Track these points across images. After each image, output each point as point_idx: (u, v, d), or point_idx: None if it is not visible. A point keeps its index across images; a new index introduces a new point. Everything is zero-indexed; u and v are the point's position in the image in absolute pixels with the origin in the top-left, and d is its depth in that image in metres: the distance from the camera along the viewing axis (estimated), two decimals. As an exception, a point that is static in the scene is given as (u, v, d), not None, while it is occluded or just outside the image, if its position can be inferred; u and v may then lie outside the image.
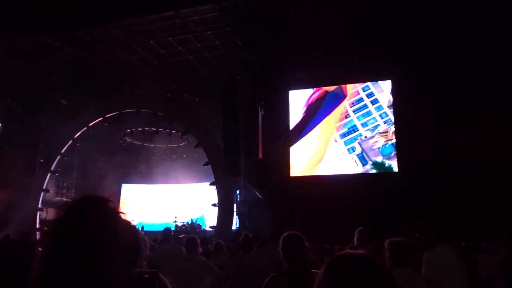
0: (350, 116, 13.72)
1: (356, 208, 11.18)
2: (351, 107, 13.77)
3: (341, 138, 13.65)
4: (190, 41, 14.45)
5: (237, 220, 13.95)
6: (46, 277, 1.05)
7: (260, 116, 13.21)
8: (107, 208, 1.15)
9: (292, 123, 14.39)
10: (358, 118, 13.56)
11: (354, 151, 13.39)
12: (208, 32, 13.89)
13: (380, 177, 12.86)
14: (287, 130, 14.33)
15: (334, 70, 13.89)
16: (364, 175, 13.05)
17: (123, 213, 1.17)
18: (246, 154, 13.46)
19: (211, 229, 15.69)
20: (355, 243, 6.00)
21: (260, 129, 13.10)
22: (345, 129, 13.65)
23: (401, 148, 12.81)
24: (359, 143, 13.40)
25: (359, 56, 13.11)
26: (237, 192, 14.40)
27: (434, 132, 12.10)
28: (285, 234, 3.05)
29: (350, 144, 13.50)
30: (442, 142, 11.79)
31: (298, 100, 14.52)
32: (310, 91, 14.40)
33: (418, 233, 4.32)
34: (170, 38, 14.31)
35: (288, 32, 12.89)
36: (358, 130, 13.49)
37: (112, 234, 1.09)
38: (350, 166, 13.42)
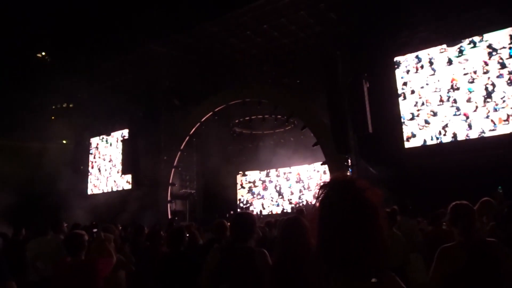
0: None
1: (484, 176, 10.18)
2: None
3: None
4: (284, 25, 14.50)
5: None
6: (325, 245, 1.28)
7: (365, 89, 12.72)
8: (359, 184, 1.32)
9: (401, 91, 13.55)
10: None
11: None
12: (301, 12, 13.77)
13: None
14: (396, 99, 13.55)
15: (442, 27, 12.67)
16: (495, 138, 11.67)
17: (372, 188, 1.33)
18: (355, 130, 13.14)
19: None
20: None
21: (367, 102, 12.63)
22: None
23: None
24: None
25: (470, 6, 11.77)
26: (350, 170, 14.17)
27: None
28: (453, 204, 3.00)
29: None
30: None
31: (405, 66, 13.59)
32: (417, 54, 13.33)
33: None
34: (264, 26, 14.54)
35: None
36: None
37: (370, 204, 1.27)
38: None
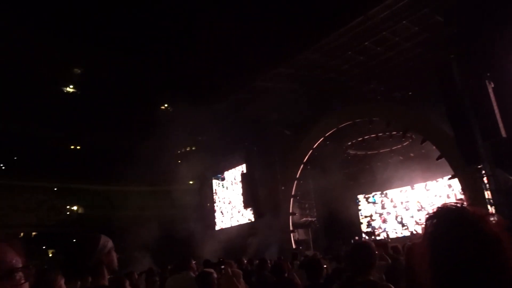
0: None
1: None
2: None
3: None
4: (387, 38, 13.97)
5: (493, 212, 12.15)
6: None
7: (490, 90, 11.38)
8: (474, 212, 1.15)
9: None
10: None
11: None
12: (404, 22, 13.14)
13: None
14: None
15: None
16: None
17: (491, 215, 1.16)
18: (484, 137, 11.74)
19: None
20: None
21: (494, 104, 11.25)
22: None
23: None
24: None
25: None
26: (485, 181, 12.63)
27: None
28: None
29: None
30: None
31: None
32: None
33: None
34: (366, 43, 14.20)
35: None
36: None
37: (490, 235, 1.08)
38: None
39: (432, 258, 1.12)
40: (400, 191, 19.29)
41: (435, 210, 1.19)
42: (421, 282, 1.14)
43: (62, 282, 3.09)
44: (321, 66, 15.66)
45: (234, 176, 22.64)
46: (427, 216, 1.19)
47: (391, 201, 19.66)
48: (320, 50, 14.79)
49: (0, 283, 0.98)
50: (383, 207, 19.94)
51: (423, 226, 1.19)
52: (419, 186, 18.43)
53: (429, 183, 18.05)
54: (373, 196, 20.35)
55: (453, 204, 1.18)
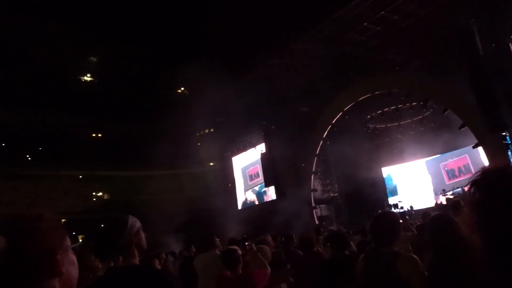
0: None
1: None
2: None
3: None
4: (404, 5, 13.53)
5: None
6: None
7: (514, 53, 11.00)
8: None
9: None
10: None
11: None
12: (422, -14, 12.72)
13: None
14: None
15: None
16: None
17: None
18: (508, 102, 11.40)
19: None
20: None
21: (519, 67, 10.89)
22: None
23: None
24: None
25: None
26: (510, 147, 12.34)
27: None
28: None
29: None
30: None
31: None
32: None
33: None
34: (382, 12, 13.81)
35: None
36: None
37: None
38: None
39: (485, 228, 1.03)
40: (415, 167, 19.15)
41: (479, 175, 1.09)
42: (473, 257, 1.06)
43: (97, 262, 3.23)
44: (336, 39, 15.34)
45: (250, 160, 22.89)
46: (472, 182, 1.09)
47: (408, 177, 19.46)
48: (335, 23, 14.47)
49: (69, 253, 1.13)
50: (401, 183, 19.78)
51: (468, 194, 1.10)
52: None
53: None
54: (389, 175, 20.24)
55: (496, 166, 1.09)
